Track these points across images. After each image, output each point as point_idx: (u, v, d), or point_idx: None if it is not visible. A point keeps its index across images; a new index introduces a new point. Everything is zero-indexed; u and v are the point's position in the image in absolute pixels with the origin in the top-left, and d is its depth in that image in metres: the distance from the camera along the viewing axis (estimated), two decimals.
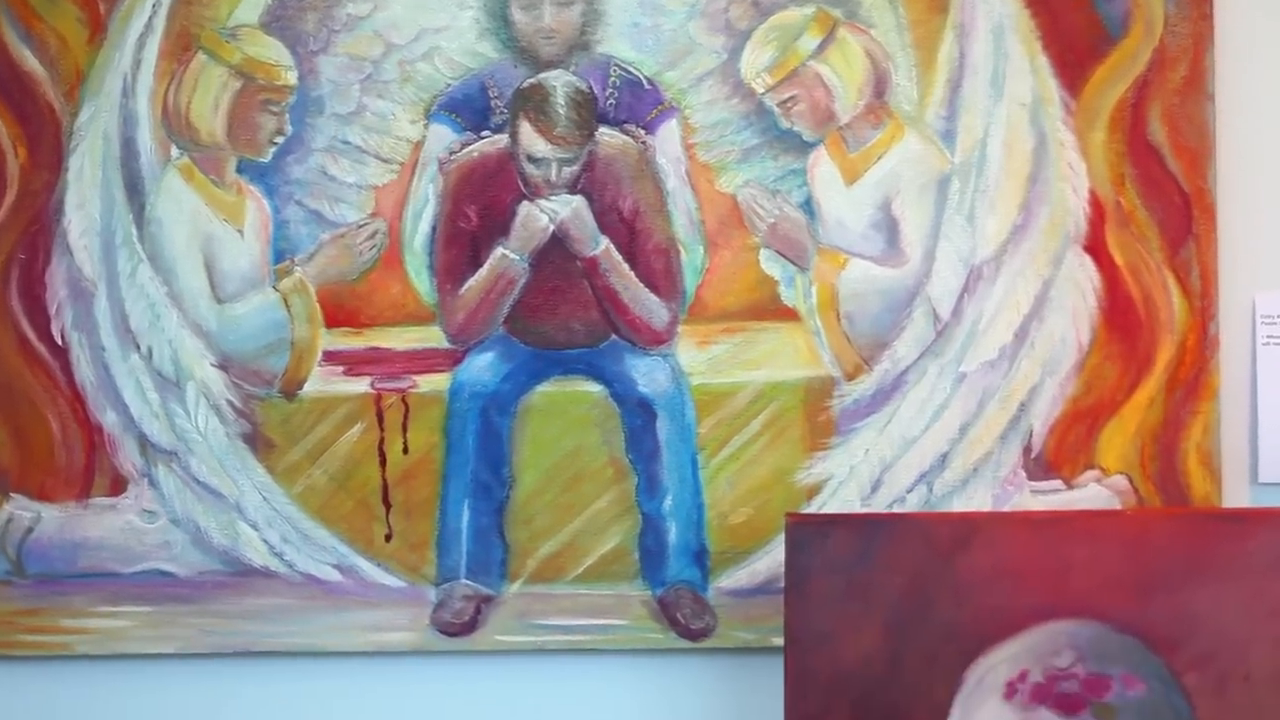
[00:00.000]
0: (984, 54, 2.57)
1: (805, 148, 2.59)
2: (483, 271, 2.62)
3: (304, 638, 2.64)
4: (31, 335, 2.66)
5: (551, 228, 2.60)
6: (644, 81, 2.61)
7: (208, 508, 2.65)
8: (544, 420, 2.61)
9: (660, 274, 2.61)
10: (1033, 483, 2.57)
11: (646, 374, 2.60)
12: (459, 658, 2.63)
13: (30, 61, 2.65)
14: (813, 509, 2.57)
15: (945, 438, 2.58)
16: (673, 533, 2.59)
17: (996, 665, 2.27)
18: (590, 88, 2.60)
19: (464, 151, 2.62)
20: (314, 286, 2.64)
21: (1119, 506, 2.53)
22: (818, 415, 2.58)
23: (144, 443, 2.66)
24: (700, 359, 2.60)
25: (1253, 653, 2.24)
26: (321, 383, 2.64)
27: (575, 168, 2.60)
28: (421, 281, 2.63)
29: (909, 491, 2.58)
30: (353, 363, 2.64)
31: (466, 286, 2.62)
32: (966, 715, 2.27)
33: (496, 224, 2.61)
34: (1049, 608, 2.27)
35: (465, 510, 2.61)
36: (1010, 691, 2.26)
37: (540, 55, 2.61)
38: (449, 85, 2.62)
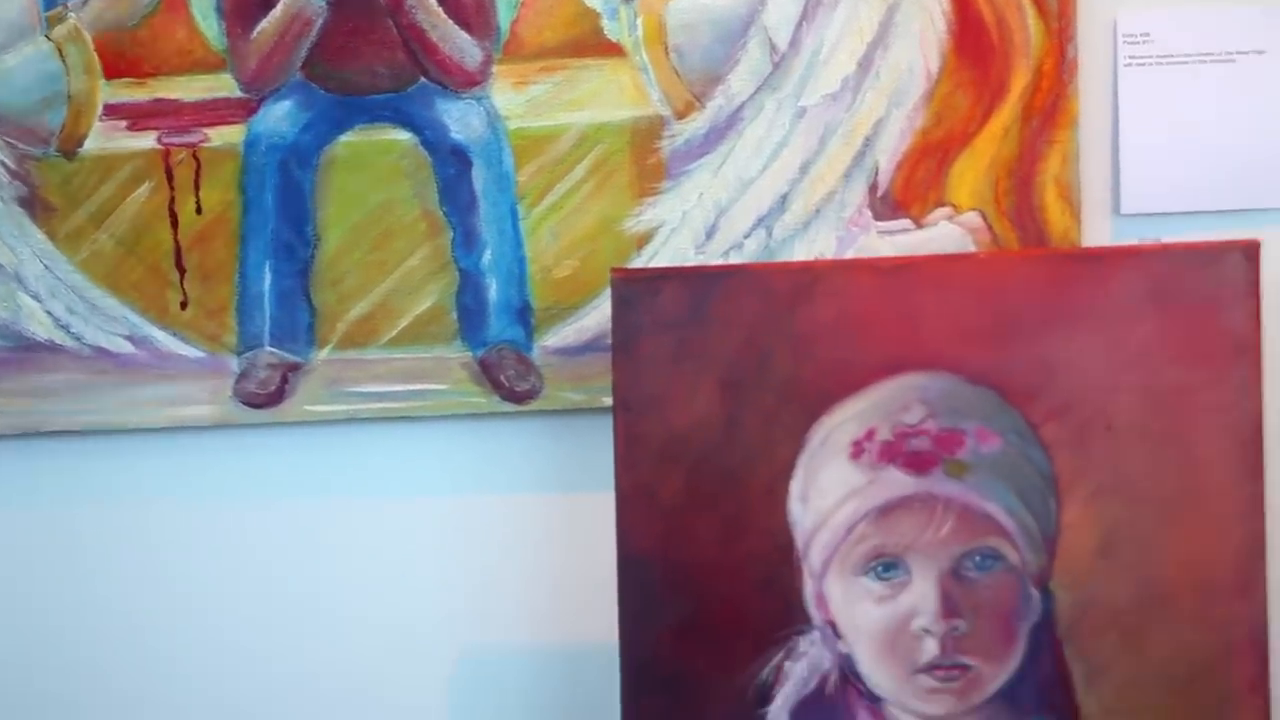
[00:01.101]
0: None
1: None
2: (276, 12, 2.44)
3: (97, 415, 2.50)
4: None
5: None
6: None
7: None
8: (349, 173, 2.45)
9: (471, 9, 2.43)
10: (879, 223, 2.44)
11: (459, 119, 2.44)
12: (266, 430, 2.51)
13: None
14: (643, 259, 2.44)
15: (785, 178, 2.44)
16: (493, 289, 2.46)
17: (841, 423, 2.16)
18: None
19: None
20: (90, 34, 2.45)
21: (972, 246, 2.42)
22: (646, 158, 2.44)
23: None
24: (518, 101, 2.44)
25: (1114, 401, 2.15)
26: (103, 139, 2.46)
27: None
28: (209, 25, 2.45)
29: (746, 237, 2.45)
30: (137, 116, 2.46)
31: (259, 29, 2.44)
32: (810, 477, 2.17)
33: None
34: (897, 360, 2.16)
35: (267, 273, 2.47)
36: (857, 451, 2.15)
37: None
38: None
